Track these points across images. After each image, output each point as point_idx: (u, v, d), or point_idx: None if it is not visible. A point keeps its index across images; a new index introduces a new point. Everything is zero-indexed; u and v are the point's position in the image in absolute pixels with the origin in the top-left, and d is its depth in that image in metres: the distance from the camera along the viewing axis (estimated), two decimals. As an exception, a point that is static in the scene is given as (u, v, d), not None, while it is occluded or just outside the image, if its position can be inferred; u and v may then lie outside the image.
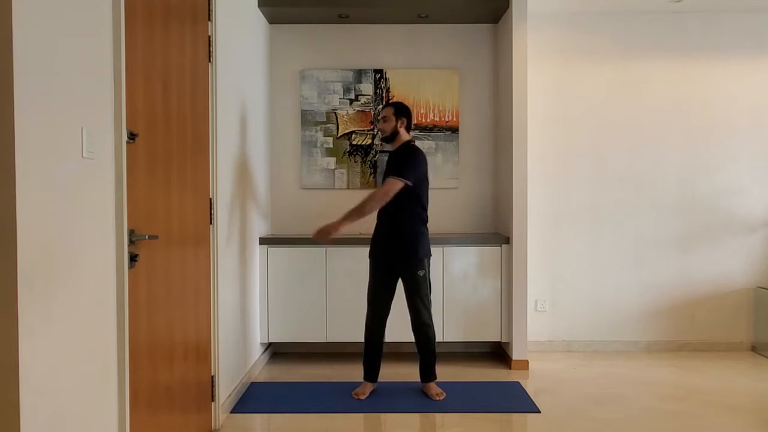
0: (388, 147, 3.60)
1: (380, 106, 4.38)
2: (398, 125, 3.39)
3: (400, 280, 3.39)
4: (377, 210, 3.33)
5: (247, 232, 3.64)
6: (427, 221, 3.40)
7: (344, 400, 3.30)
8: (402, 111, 3.43)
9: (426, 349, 3.38)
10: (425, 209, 3.38)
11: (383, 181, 3.35)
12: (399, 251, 3.32)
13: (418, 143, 4.32)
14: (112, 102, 1.86)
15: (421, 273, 3.31)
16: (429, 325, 3.36)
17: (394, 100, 4.31)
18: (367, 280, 3.46)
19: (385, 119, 3.41)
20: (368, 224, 3.76)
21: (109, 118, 1.85)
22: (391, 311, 3.44)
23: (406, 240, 3.31)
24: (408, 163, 3.29)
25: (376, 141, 4.40)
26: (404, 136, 3.43)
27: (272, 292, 3.98)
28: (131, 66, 1.97)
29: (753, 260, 4.46)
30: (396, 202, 3.27)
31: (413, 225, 3.32)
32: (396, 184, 3.22)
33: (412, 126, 4.18)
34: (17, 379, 1.40)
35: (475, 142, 4.44)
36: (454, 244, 3.99)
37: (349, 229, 4.23)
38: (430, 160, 4.34)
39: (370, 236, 3.50)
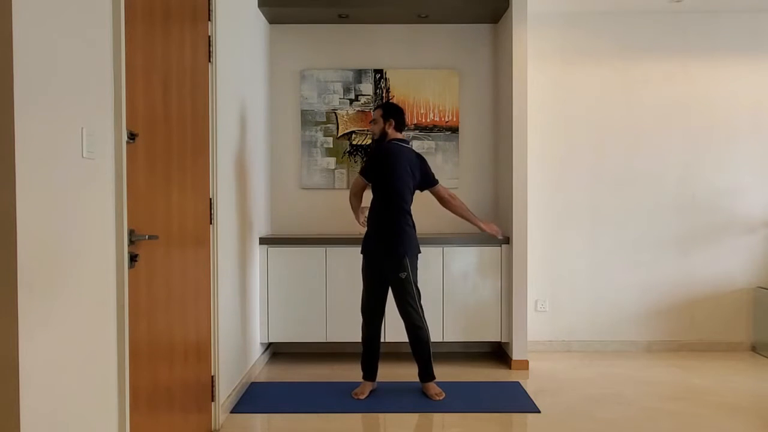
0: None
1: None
2: (386, 127, 3.42)
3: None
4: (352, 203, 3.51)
5: (247, 232, 3.64)
6: (405, 218, 3.32)
7: (344, 400, 3.30)
8: (390, 112, 3.43)
9: (420, 350, 3.34)
10: (402, 204, 3.32)
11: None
12: (382, 251, 3.31)
13: (417, 143, 4.34)
14: (112, 102, 1.86)
15: (402, 275, 3.27)
16: (420, 327, 3.32)
17: (394, 100, 4.32)
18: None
19: (374, 121, 3.47)
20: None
21: (109, 118, 1.85)
22: (390, 312, 3.44)
23: (385, 239, 3.31)
24: (367, 160, 3.46)
25: (376, 141, 4.40)
26: (392, 135, 3.43)
27: (272, 292, 3.98)
28: (131, 66, 1.97)
29: (753, 260, 4.45)
30: (374, 200, 3.39)
31: (390, 223, 3.30)
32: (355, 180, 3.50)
33: (409, 125, 4.19)
34: (17, 379, 1.40)
35: (475, 142, 4.44)
36: (454, 244, 3.99)
37: (349, 229, 4.26)
38: (429, 160, 4.35)
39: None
